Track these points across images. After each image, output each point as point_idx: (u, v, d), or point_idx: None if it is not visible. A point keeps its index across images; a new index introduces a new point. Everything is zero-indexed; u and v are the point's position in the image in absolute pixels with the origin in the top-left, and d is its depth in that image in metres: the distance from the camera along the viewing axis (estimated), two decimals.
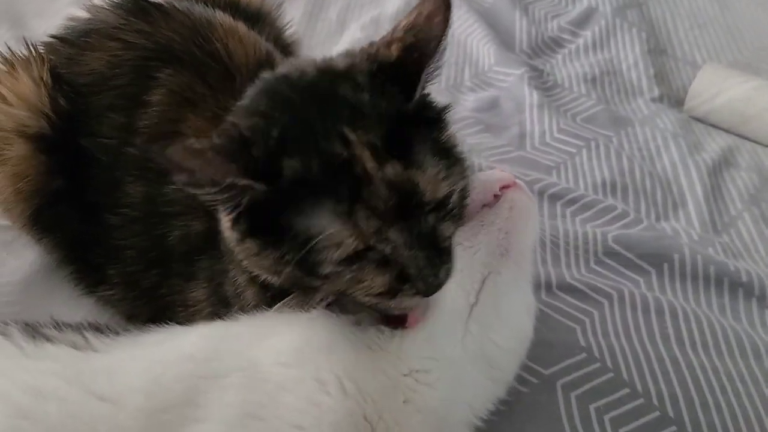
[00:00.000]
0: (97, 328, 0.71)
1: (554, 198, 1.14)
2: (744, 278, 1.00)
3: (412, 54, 0.63)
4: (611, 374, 0.88)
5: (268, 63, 0.84)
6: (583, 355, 0.91)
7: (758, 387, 0.87)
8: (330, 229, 0.58)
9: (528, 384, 0.87)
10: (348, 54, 0.67)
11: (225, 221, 0.67)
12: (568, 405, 0.85)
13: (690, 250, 1.03)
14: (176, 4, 0.89)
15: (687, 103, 1.34)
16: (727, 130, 1.31)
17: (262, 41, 0.90)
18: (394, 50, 0.63)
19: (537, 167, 1.20)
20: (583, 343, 0.92)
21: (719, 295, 1.00)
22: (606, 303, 0.98)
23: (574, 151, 1.25)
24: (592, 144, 1.26)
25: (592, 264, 1.03)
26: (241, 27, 0.89)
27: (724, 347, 0.92)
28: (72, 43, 0.89)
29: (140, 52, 0.85)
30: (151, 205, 0.82)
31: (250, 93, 0.66)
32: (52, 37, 0.92)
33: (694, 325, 0.94)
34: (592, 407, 0.85)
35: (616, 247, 1.05)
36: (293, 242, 0.60)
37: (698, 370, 0.89)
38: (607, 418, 0.84)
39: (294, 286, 0.66)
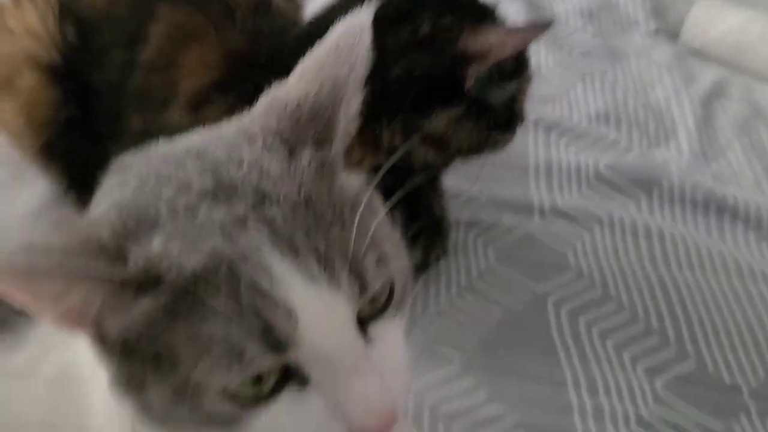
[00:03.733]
0: None
1: (548, 128, 1.17)
2: (730, 202, 1.04)
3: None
4: (599, 291, 0.93)
5: None
6: (573, 274, 0.95)
7: (739, 303, 0.92)
8: None
9: (521, 300, 0.92)
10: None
11: None
12: (558, 319, 0.90)
13: (679, 176, 1.07)
14: None
15: (682, 36, 1.36)
16: (721, 63, 1.33)
17: None
18: None
19: (531, 98, 1.22)
20: (573, 263, 0.97)
21: (706, 219, 1.04)
22: (596, 226, 1.02)
23: (569, 83, 1.27)
24: (587, 77, 1.28)
25: (584, 189, 1.07)
26: None
27: (708, 267, 0.96)
28: None
29: None
30: (151, 135, 0.85)
31: None
32: None
33: (680, 247, 0.99)
34: (581, 320, 0.89)
35: (608, 174, 1.08)
36: None
37: (683, 287, 0.93)
38: (595, 330, 0.88)
39: None
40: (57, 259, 0.39)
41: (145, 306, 0.40)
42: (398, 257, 0.47)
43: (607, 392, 0.82)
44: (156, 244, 0.40)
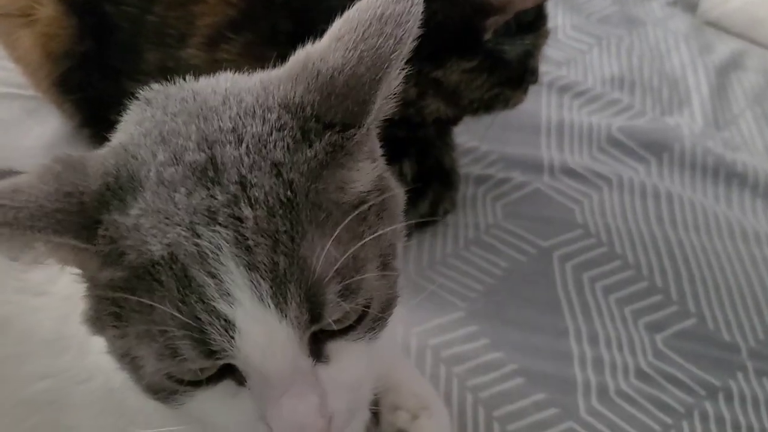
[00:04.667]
0: None
1: (562, 90, 1.17)
2: (740, 169, 1.04)
3: None
4: (605, 248, 0.94)
5: None
6: (580, 231, 0.96)
7: (743, 265, 0.93)
8: None
9: (526, 254, 0.93)
10: None
11: None
12: (563, 273, 0.90)
13: (690, 141, 1.07)
14: None
15: (700, 7, 1.35)
16: (738, 35, 1.32)
17: None
18: None
19: (547, 61, 1.22)
20: (580, 221, 0.97)
21: (714, 184, 1.04)
22: (605, 187, 1.02)
23: (585, 47, 1.27)
24: (604, 42, 1.28)
25: (594, 151, 1.07)
26: None
27: (714, 230, 0.97)
28: None
29: None
30: (167, 72, 0.86)
31: None
32: None
33: (687, 210, 0.99)
34: (585, 276, 0.90)
35: (619, 136, 1.08)
36: None
37: (688, 248, 0.94)
38: (599, 285, 0.89)
39: None
40: (36, 217, 0.39)
41: (109, 274, 0.41)
42: (382, 281, 0.43)
43: (608, 344, 0.83)
44: (132, 214, 0.40)
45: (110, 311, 0.42)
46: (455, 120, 0.92)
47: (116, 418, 0.53)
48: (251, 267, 0.38)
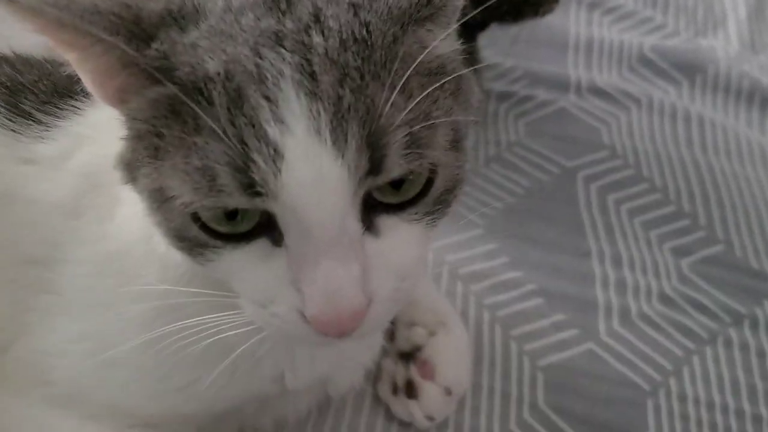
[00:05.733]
0: None
1: (592, 6, 1.11)
2: None
3: None
4: (632, 170, 0.90)
5: None
6: (606, 152, 0.92)
7: None
8: None
9: (549, 173, 0.89)
10: None
11: None
12: (587, 194, 0.87)
13: (725, 63, 1.02)
14: None
15: None
16: None
17: None
18: None
19: None
20: (607, 141, 0.93)
21: (748, 110, 0.99)
22: (634, 107, 0.98)
23: None
24: None
25: (624, 71, 1.02)
26: None
27: (746, 156, 0.93)
28: None
29: None
30: None
31: None
32: None
33: (719, 134, 0.95)
34: (610, 197, 0.87)
35: (651, 56, 1.03)
36: None
37: (718, 173, 0.90)
38: (624, 208, 0.86)
39: None
40: (88, 11, 0.36)
41: (155, 93, 0.38)
42: (451, 155, 0.39)
43: (632, 267, 0.80)
44: (192, 35, 0.37)
45: (149, 144, 0.39)
46: (482, 24, 0.87)
47: (114, 280, 0.51)
48: (313, 96, 0.35)
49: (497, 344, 0.74)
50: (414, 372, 0.67)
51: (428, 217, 0.40)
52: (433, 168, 0.38)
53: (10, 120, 0.55)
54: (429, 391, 0.66)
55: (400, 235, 0.39)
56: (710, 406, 0.70)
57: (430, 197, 0.39)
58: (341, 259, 0.37)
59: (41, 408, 0.53)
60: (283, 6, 0.37)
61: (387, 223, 0.39)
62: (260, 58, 0.36)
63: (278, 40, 0.36)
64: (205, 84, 0.36)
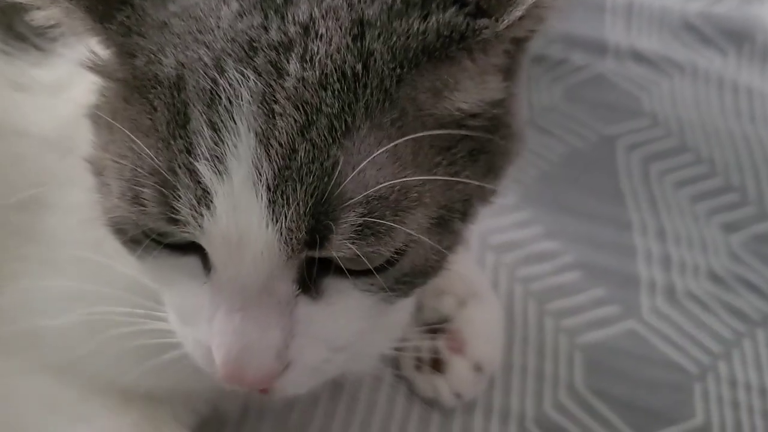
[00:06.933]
0: None
1: None
2: None
3: None
4: (675, 140, 0.83)
5: None
6: (647, 120, 0.85)
7: None
8: None
9: (586, 140, 0.83)
10: None
11: None
12: (627, 163, 0.81)
13: None
14: None
15: None
16: None
17: None
18: None
19: None
20: (647, 109, 0.87)
21: None
22: (677, 75, 0.91)
23: None
24: None
25: (666, 36, 0.96)
26: None
27: None
28: None
29: None
30: None
31: None
32: None
33: None
34: (653, 167, 0.80)
35: (697, 22, 0.97)
36: None
37: None
38: (668, 179, 0.79)
39: None
40: None
41: (112, 68, 0.33)
42: (430, 238, 0.32)
43: (677, 242, 0.74)
44: (168, 10, 0.32)
45: (106, 113, 0.34)
46: None
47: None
48: (262, 139, 0.28)
49: (531, 320, 0.67)
50: (442, 345, 0.60)
51: (383, 294, 0.34)
52: (396, 255, 0.32)
53: (1, 41, 0.48)
54: (458, 366, 0.60)
55: (346, 302, 0.33)
56: (762, 392, 0.64)
57: (391, 275, 0.33)
58: (260, 321, 0.32)
59: (41, 377, 0.48)
60: (279, 1, 0.31)
61: (336, 286, 0.33)
62: (220, 72, 0.29)
63: (249, 52, 0.29)
64: (154, 85, 0.30)
